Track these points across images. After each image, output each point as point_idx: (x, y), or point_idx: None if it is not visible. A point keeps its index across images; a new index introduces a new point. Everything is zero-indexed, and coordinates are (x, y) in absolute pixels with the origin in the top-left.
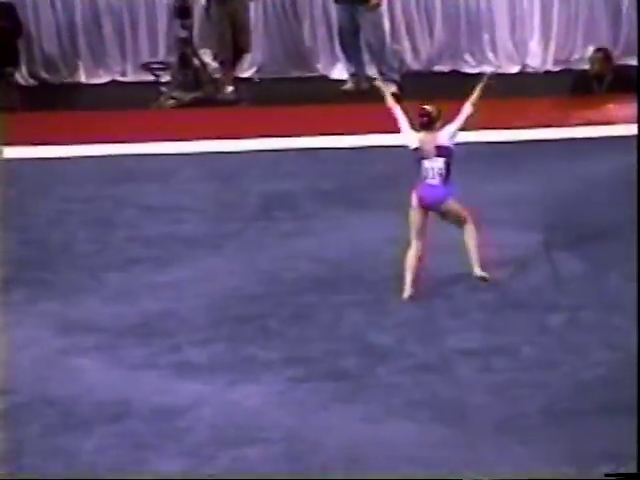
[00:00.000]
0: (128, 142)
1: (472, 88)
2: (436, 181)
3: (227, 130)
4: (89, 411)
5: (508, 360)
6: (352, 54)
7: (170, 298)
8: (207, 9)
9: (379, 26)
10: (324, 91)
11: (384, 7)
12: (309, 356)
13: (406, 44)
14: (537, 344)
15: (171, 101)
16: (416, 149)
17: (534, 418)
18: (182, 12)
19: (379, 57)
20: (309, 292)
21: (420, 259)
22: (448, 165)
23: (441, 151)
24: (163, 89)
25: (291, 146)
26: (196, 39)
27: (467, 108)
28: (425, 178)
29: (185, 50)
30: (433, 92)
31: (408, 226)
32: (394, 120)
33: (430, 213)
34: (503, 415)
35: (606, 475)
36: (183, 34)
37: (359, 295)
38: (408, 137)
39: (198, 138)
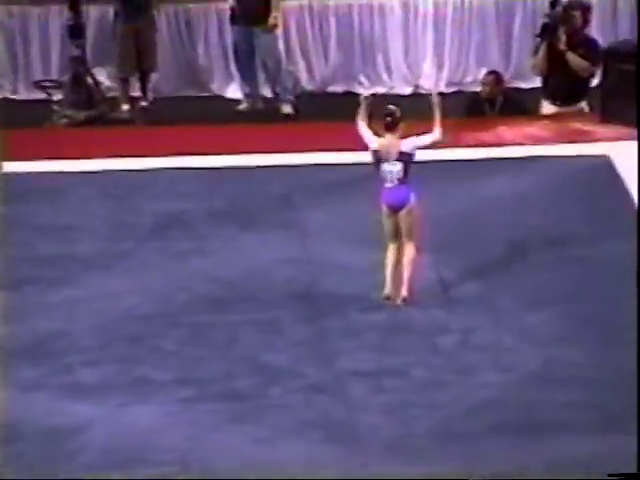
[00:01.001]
0: (20, 160)
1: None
2: (395, 184)
3: (121, 149)
4: None
5: (400, 381)
6: (247, 74)
7: (62, 318)
8: (113, 25)
9: (274, 47)
10: (219, 110)
11: (279, 29)
12: (202, 377)
13: (301, 65)
14: (428, 365)
15: (64, 120)
16: (376, 151)
17: (425, 439)
18: (75, 31)
19: (274, 78)
20: (203, 312)
21: (399, 260)
22: (406, 169)
23: (402, 156)
24: (56, 107)
25: (186, 165)
26: (90, 57)
27: (436, 134)
28: (384, 181)
29: (78, 69)
30: (328, 113)
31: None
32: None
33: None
34: (395, 436)
35: (610, 475)
36: (76, 52)
37: (253, 315)
38: (371, 141)
39: (92, 157)
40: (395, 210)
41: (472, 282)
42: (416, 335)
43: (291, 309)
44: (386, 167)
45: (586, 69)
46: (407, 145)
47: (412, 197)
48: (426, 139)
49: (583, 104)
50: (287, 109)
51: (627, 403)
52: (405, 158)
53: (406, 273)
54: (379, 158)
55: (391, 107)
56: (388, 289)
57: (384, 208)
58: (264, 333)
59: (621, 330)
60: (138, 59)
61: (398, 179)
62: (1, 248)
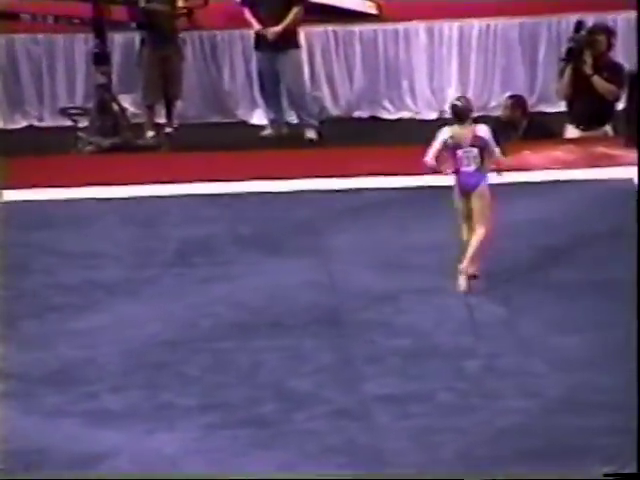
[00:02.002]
0: (46, 187)
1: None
2: (471, 168)
3: (146, 175)
4: (3, 460)
5: (425, 406)
6: (272, 100)
7: (87, 345)
8: (139, 53)
9: (299, 73)
10: (243, 137)
11: (304, 54)
12: (226, 402)
13: (326, 90)
14: (454, 390)
15: (89, 147)
16: (450, 139)
17: (451, 464)
18: (101, 58)
19: (298, 103)
20: (227, 338)
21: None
22: (482, 154)
23: (476, 140)
24: (81, 134)
25: (210, 191)
26: (115, 85)
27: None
28: (460, 166)
29: (104, 96)
30: (352, 138)
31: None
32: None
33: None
34: (420, 461)
35: (605, 475)
36: (102, 80)
37: (277, 340)
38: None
39: (117, 184)
40: (467, 192)
41: (497, 306)
42: (441, 360)
43: (315, 334)
44: (461, 153)
45: (612, 93)
46: (482, 131)
47: (485, 181)
48: (495, 146)
49: (607, 128)
50: (311, 134)
51: None
52: (480, 143)
53: (470, 251)
54: (454, 145)
55: (456, 102)
56: (465, 268)
57: (457, 190)
58: (288, 359)
59: None
60: (164, 86)
61: (475, 162)
62: (25, 275)
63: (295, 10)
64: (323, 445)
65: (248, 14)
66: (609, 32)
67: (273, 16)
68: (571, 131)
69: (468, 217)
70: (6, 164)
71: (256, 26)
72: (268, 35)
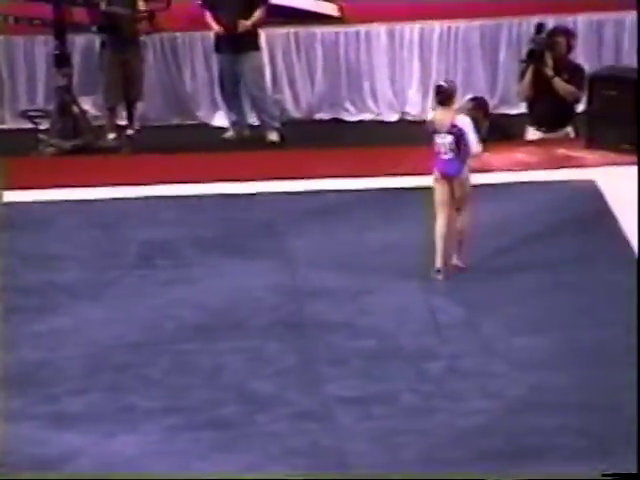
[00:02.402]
0: (6, 189)
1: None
2: (448, 155)
3: (108, 178)
4: None
5: (387, 408)
6: (233, 102)
7: (48, 347)
8: (100, 55)
9: (260, 75)
10: (205, 139)
11: (265, 56)
12: (188, 405)
13: (287, 93)
14: (416, 391)
15: (50, 149)
16: (430, 122)
17: (414, 465)
18: (61, 60)
19: (260, 106)
20: (189, 340)
21: (455, 229)
22: (457, 142)
23: (452, 128)
24: (42, 137)
25: (172, 193)
26: (76, 87)
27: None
28: (438, 153)
29: (64, 98)
30: (314, 140)
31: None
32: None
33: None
34: (383, 462)
35: (605, 475)
36: (62, 82)
37: (239, 343)
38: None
39: (78, 186)
40: (446, 178)
41: (460, 308)
42: (404, 361)
43: (277, 336)
44: (438, 139)
45: (572, 94)
46: (461, 120)
47: (463, 170)
48: (473, 139)
49: (569, 129)
50: (273, 137)
51: (614, 428)
52: (455, 131)
53: (459, 242)
54: (433, 130)
55: (442, 83)
56: (439, 262)
57: (437, 175)
58: (250, 361)
59: (608, 355)
60: (125, 89)
61: (451, 150)
62: None
63: (260, 10)
64: (286, 447)
65: (209, 16)
66: (569, 34)
67: (234, 18)
68: (532, 133)
69: (443, 203)
70: None
71: (215, 28)
72: (239, 27)
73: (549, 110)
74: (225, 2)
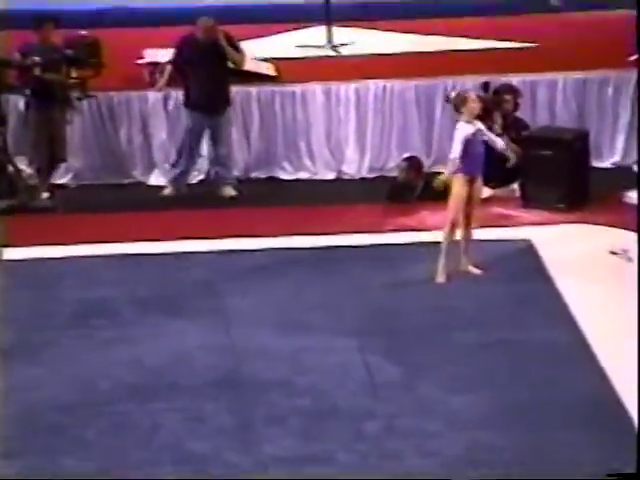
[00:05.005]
0: None
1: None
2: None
3: (42, 237)
4: None
5: (324, 467)
6: (191, 160)
7: None
8: (25, 115)
9: (229, 130)
10: (141, 197)
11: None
12: (125, 466)
13: None
14: (353, 451)
15: None
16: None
17: None
18: None
19: (222, 162)
20: (126, 400)
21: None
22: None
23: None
24: None
25: (109, 252)
26: (11, 146)
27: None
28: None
29: None
30: (251, 199)
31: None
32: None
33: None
34: None
35: (608, 475)
36: None
37: (176, 403)
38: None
39: (13, 246)
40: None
41: (396, 367)
42: (341, 420)
43: (215, 396)
44: None
45: (519, 152)
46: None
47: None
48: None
49: (515, 186)
50: (230, 192)
51: None
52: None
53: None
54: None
55: (450, 96)
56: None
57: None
58: (187, 421)
59: (541, 414)
60: (50, 149)
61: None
62: None
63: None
64: None
65: (167, 72)
66: (516, 92)
67: (209, 74)
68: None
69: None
70: None
71: (160, 84)
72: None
73: (496, 167)
74: (199, 60)
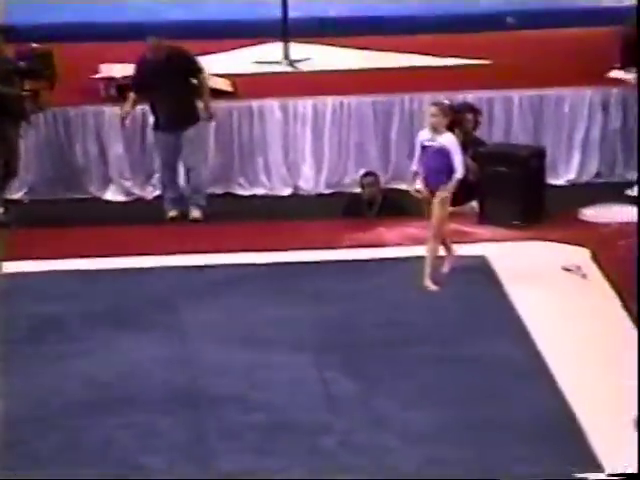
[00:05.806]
0: None
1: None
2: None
3: None
4: None
5: None
6: (173, 181)
7: None
8: None
9: (198, 148)
10: (97, 213)
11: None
12: None
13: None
14: (308, 466)
15: None
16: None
17: None
18: None
19: (195, 182)
20: (79, 415)
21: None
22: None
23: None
24: None
25: (63, 268)
26: None
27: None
28: None
29: None
30: (207, 215)
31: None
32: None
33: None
34: None
35: (608, 475)
36: None
37: (130, 417)
38: None
39: None
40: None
41: (353, 382)
42: (296, 435)
43: (169, 410)
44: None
45: (477, 171)
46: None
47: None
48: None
49: (474, 204)
50: (196, 214)
51: None
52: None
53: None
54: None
55: (432, 109)
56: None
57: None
58: (141, 435)
59: (495, 429)
60: (5, 163)
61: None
62: None
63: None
64: None
65: (131, 97)
66: (476, 111)
67: (170, 92)
68: None
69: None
70: None
71: (126, 108)
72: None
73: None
74: (157, 81)
